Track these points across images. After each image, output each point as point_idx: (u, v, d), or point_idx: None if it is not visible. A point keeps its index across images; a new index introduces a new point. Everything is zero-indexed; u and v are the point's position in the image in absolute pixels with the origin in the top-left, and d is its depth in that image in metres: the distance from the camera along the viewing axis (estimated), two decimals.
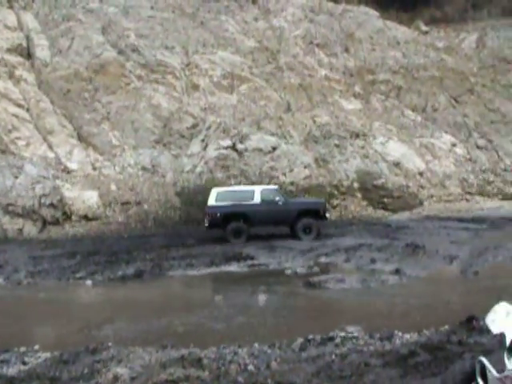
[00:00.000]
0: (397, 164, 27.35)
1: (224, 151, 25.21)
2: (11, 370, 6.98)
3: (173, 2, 35.54)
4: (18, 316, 10.81)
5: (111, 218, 22.61)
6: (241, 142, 25.56)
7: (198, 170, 24.93)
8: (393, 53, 36.24)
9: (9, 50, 28.93)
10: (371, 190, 25.62)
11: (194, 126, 27.20)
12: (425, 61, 35.79)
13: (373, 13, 40.18)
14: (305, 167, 25.46)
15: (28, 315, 10.97)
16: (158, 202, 23.44)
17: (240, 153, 25.32)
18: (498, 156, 30.71)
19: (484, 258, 14.77)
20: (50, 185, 22.17)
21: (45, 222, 21.63)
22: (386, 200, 25.41)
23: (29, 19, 31.49)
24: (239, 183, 23.30)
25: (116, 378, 6.34)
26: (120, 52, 29.44)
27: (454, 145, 30.48)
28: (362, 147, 27.53)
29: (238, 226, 18.71)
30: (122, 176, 24.87)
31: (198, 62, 30.72)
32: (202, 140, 26.21)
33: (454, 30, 43.25)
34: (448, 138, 30.75)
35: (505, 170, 29.47)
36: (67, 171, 24.35)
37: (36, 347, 8.10)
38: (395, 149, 28.14)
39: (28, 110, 26.64)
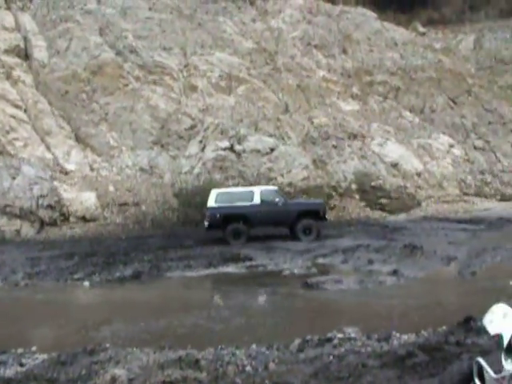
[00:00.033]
0: (395, 165, 27.38)
1: (222, 152, 25.21)
2: (8, 372, 6.97)
3: (171, 3, 35.52)
4: (16, 317, 10.79)
5: (109, 219, 22.59)
6: (239, 143, 25.56)
7: (196, 171, 24.93)
8: (390, 54, 36.28)
9: (6, 51, 28.91)
10: (369, 191, 25.64)
11: (192, 127, 27.19)
12: (422, 62, 35.83)
13: (370, 14, 40.22)
14: (303, 168, 25.46)
15: (25, 316, 10.95)
16: (155, 203, 23.43)
17: (238, 154, 25.32)
18: (496, 157, 30.77)
19: (482, 258, 14.78)
20: (48, 186, 22.14)
21: (42, 223, 21.61)
22: (383, 201, 25.42)
23: (26, 20, 31.46)
24: (237, 184, 23.30)
25: (114, 379, 6.33)
26: (118, 53, 29.42)
27: (451, 146, 30.53)
28: (360, 148, 27.55)
29: (237, 227, 18.71)
30: (119, 177, 24.85)
31: (195, 63, 30.71)
32: (200, 141, 26.21)
33: (451, 32, 43.33)
34: (446, 139, 30.79)
35: None
36: (65, 172, 24.32)
37: (33, 348, 8.09)
38: (393, 150, 28.16)
39: (26, 111, 26.61)
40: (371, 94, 33.28)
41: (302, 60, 33.73)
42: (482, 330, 6.57)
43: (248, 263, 15.40)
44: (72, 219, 22.16)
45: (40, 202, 21.50)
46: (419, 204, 26.15)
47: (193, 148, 26.18)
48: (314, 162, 26.34)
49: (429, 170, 28.39)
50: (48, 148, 25.28)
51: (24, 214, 21.33)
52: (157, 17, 33.33)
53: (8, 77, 27.77)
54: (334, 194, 25.06)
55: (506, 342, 3.54)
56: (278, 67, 32.27)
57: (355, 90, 33.32)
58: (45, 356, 7.52)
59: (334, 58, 35.28)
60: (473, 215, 24.33)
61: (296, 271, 14.01)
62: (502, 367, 3.43)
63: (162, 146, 26.63)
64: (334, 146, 27.10)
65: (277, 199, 18.98)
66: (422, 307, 10.19)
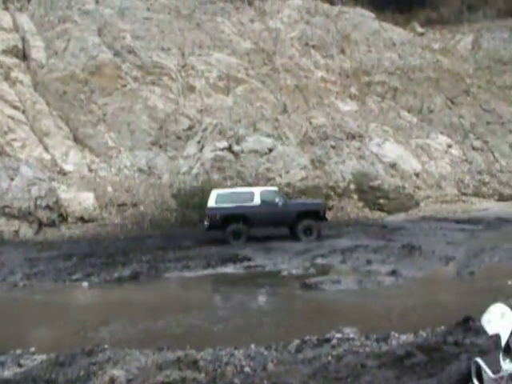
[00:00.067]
0: (393, 165, 27.39)
1: (220, 153, 25.21)
2: (7, 373, 6.96)
3: (169, 3, 35.51)
4: (14, 318, 10.78)
5: (107, 220, 22.57)
6: (237, 144, 25.56)
7: (194, 171, 24.92)
8: (389, 54, 36.29)
9: (4, 52, 28.87)
10: (367, 191, 25.65)
11: (190, 127, 27.18)
12: (421, 62, 35.85)
13: (369, 14, 40.23)
14: (301, 169, 25.47)
15: (24, 317, 10.94)
16: (154, 204, 23.42)
17: (236, 154, 25.32)
18: (494, 157, 30.80)
19: (480, 258, 14.79)
20: (46, 186, 22.12)
21: (41, 224, 21.58)
22: (382, 201, 25.44)
23: (24, 21, 31.43)
24: (235, 185, 23.29)
25: (112, 380, 6.32)
26: (116, 53, 29.40)
27: (449, 146, 30.55)
28: (358, 148, 27.56)
29: (237, 227, 18.71)
30: (118, 178, 24.84)
31: (194, 63, 30.71)
32: (198, 141, 26.20)
33: (449, 32, 43.34)
34: (444, 139, 30.82)
35: None
36: (63, 173, 24.31)
37: (32, 349, 8.08)
38: (391, 150, 28.18)
39: (24, 111, 26.59)
40: (369, 94, 33.30)
41: (300, 60, 33.74)
42: (481, 330, 6.58)
43: (246, 264, 15.40)
44: (70, 220, 22.13)
45: (38, 202, 21.48)
46: (417, 204, 26.17)
47: (191, 148, 26.18)
48: (313, 162, 26.35)
49: (427, 170, 28.41)
50: (46, 149, 25.26)
51: (22, 215, 21.30)
52: (155, 17, 33.32)
53: (6, 77, 27.74)
54: (332, 194, 25.06)
55: (503, 341, 3.54)
56: (276, 67, 32.27)
57: (353, 90, 33.35)
58: (43, 357, 7.51)
59: (333, 59, 35.30)
60: (471, 215, 24.35)
61: (294, 272, 14.01)
62: (500, 367, 3.43)
63: (161, 146, 26.62)
64: (333, 147, 27.11)
65: (277, 200, 18.97)
66: (421, 307, 10.20)
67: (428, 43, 40.58)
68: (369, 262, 14.64)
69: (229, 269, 14.93)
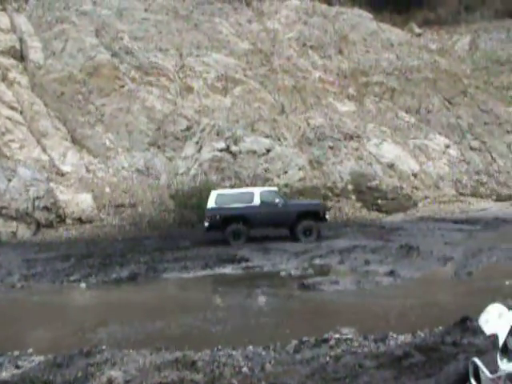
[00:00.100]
0: (391, 165, 27.42)
1: (218, 153, 25.21)
2: (4, 374, 6.95)
3: (167, 4, 35.51)
4: (12, 319, 10.77)
5: (105, 221, 22.56)
6: (235, 144, 25.56)
7: (192, 172, 24.91)
8: (386, 55, 36.33)
9: (2, 53, 28.87)
10: (365, 191, 25.66)
11: (188, 128, 27.18)
12: (418, 63, 35.89)
13: (366, 15, 40.27)
14: (299, 169, 25.48)
15: (22, 318, 10.93)
16: (152, 205, 23.41)
17: (234, 155, 25.32)
18: (492, 157, 30.84)
19: (478, 259, 14.81)
20: (44, 187, 22.10)
21: (39, 225, 21.56)
22: (380, 201, 25.45)
23: (22, 21, 31.42)
24: (233, 185, 23.29)
25: (110, 381, 6.32)
26: (114, 54, 29.39)
27: (447, 146, 30.58)
28: (356, 149, 27.58)
29: (237, 228, 18.70)
30: (115, 178, 24.83)
31: (191, 64, 30.71)
32: (196, 142, 26.20)
33: (447, 32, 43.41)
34: (442, 140, 30.85)
35: None
36: (61, 174, 24.28)
37: (30, 351, 8.07)
38: (389, 150, 28.21)
39: (21, 112, 26.57)
40: (367, 94, 33.33)
41: (298, 61, 33.76)
42: (478, 330, 6.59)
43: (244, 264, 15.40)
44: (68, 221, 22.12)
45: (36, 203, 21.46)
46: (415, 204, 26.19)
47: (189, 149, 26.17)
48: (311, 162, 26.36)
49: (425, 170, 28.44)
50: (44, 150, 25.24)
51: (20, 216, 21.28)
52: (153, 18, 33.32)
53: (3, 78, 27.73)
54: (330, 194, 25.07)
55: (501, 341, 3.55)
56: (274, 68, 32.29)
57: (351, 90, 33.37)
58: (41, 358, 7.50)
59: (330, 59, 35.32)
60: (469, 215, 24.37)
61: (293, 272, 14.01)
62: (498, 367, 3.44)
63: (159, 147, 26.61)
64: (331, 147, 27.13)
65: (276, 200, 18.96)
66: (419, 307, 10.20)
67: (425, 44, 40.65)
68: (367, 263, 14.65)
69: (227, 269, 14.93)
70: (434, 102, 33.39)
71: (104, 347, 7.70)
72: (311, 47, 35.64)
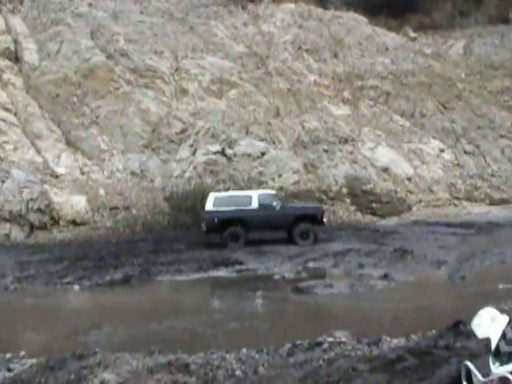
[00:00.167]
0: (385, 169, 27.46)
1: (213, 156, 25.19)
2: None
3: (162, 6, 35.51)
4: (4, 322, 10.72)
5: (99, 223, 22.48)
6: (229, 147, 25.55)
7: (187, 175, 24.88)
8: (381, 59, 36.42)
9: None
10: (360, 195, 25.67)
11: (183, 130, 27.14)
12: (413, 67, 35.99)
13: (362, 19, 40.36)
14: (293, 172, 25.49)
15: (14, 321, 10.88)
16: (146, 207, 23.35)
17: (229, 158, 25.30)
18: (486, 161, 30.93)
19: (471, 263, 14.85)
20: (38, 189, 22.02)
21: (32, 227, 21.47)
22: (374, 205, 25.47)
23: (17, 23, 31.35)
24: (228, 188, 23.26)
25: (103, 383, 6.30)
26: (109, 56, 29.35)
27: (441, 150, 30.65)
28: (351, 152, 27.62)
29: (235, 231, 18.67)
30: (110, 181, 24.76)
31: (187, 66, 30.70)
32: (191, 145, 26.17)
33: (441, 37, 43.57)
34: (436, 144, 30.92)
35: None
36: (55, 176, 24.20)
37: (22, 353, 8.04)
38: (384, 154, 28.25)
39: (16, 114, 26.48)
40: (362, 98, 33.37)
41: (293, 64, 33.80)
42: (471, 334, 6.60)
43: (238, 267, 15.38)
44: (62, 223, 22.03)
45: (30, 205, 21.37)
46: (410, 208, 26.22)
47: (184, 152, 26.14)
48: (305, 166, 26.37)
49: (419, 174, 28.49)
50: (38, 151, 25.16)
51: (13, 218, 21.18)
52: (148, 20, 33.31)
53: None
54: (324, 198, 25.07)
55: (493, 345, 3.56)
56: (269, 71, 32.31)
57: (346, 94, 33.41)
58: (33, 361, 7.47)
59: (325, 63, 35.37)
60: (463, 219, 24.42)
61: (286, 275, 14.01)
62: (490, 371, 3.45)
63: (153, 149, 26.56)
64: (325, 150, 27.15)
65: (274, 203, 18.95)
66: (412, 311, 10.22)
67: (420, 48, 40.77)
68: (361, 266, 14.67)
69: (221, 272, 14.92)
70: (428, 106, 33.48)
71: (97, 350, 7.66)
72: (306, 51, 35.69)
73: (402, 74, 34.94)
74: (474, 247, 17.13)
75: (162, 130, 27.08)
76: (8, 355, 7.88)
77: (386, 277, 13.27)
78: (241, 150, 25.47)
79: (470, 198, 28.30)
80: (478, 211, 26.40)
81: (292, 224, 18.81)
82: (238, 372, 6.68)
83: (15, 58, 29.52)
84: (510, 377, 3.23)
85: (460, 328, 7.70)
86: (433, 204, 27.08)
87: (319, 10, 40.62)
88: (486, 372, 3.47)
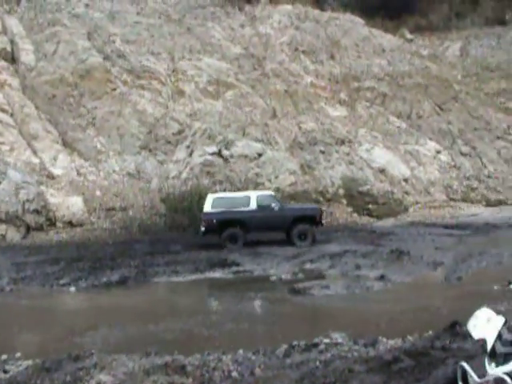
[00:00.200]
0: (382, 170, 27.49)
1: (209, 157, 25.18)
2: None
3: (159, 7, 35.52)
4: (0, 323, 10.68)
5: (96, 224, 22.45)
6: (226, 149, 25.54)
7: (184, 176, 24.86)
8: (378, 60, 36.48)
9: None
10: (356, 196, 25.70)
11: (180, 132, 27.14)
12: (410, 68, 36.06)
13: (358, 20, 40.43)
14: (290, 174, 25.49)
15: (10, 322, 10.85)
16: (143, 208, 23.33)
17: (225, 159, 25.30)
18: (482, 163, 31.00)
19: (468, 263, 14.87)
20: (34, 190, 21.97)
21: (28, 228, 21.43)
22: (371, 206, 25.50)
23: (13, 23, 31.29)
24: (224, 190, 23.26)
25: None
26: (106, 57, 29.32)
27: (438, 152, 30.71)
28: (348, 154, 27.64)
29: (234, 232, 18.66)
30: (106, 182, 24.73)
31: (183, 68, 30.70)
32: (188, 146, 26.16)
33: (438, 39, 43.68)
34: (432, 145, 30.98)
35: None
36: (51, 177, 24.16)
37: (17, 355, 8.01)
38: (380, 155, 28.28)
39: (12, 114, 26.43)
40: (359, 99, 33.42)
41: (289, 65, 33.83)
42: (468, 335, 6.61)
43: (235, 268, 15.38)
44: (58, 224, 21.99)
45: (26, 206, 21.33)
46: (406, 209, 26.26)
47: (180, 153, 26.13)
48: (302, 167, 26.38)
49: (416, 175, 28.53)
50: (34, 152, 25.11)
51: (10, 219, 21.13)
52: (145, 21, 33.30)
53: None
54: (321, 199, 25.08)
55: (489, 346, 3.57)
56: (265, 72, 32.33)
57: (343, 95, 33.45)
58: (29, 362, 7.45)
59: (322, 64, 35.41)
60: (459, 220, 24.47)
61: (283, 276, 14.01)
62: (486, 371, 3.45)
63: (150, 150, 26.55)
64: (322, 152, 27.16)
65: (273, 204, 18.95)
66: (409, 312, 10.23)
67: (417, 49, 40.85)
68: (357, 267, 14.67)
69: (217, 274, 14.91)
70: (424, 108, 33.55)
71: (93, 351, 7.65)
72: (303, 52, 35.72)
73: (398, 76, 35.01)
74: (471, 248, 17.15)
75: (159, 131, 27.07)
76: (4, 357, 7.86)
77: (382, 278, 13.27)
78: (237, 151, 25.48)
79: (466, 199, 28.36)
80: (474, 212, 26.47)
81: (290, 225, 18.80)
82: (234, 373, 6.67)
83: (12, 58, 29.48)
84: (506, 378, 3.24)
85: (456, 329, 7.71)
86: (429, 205, 27.13)
87: (316, 12, 40.68)
88: (482, 373, 3.47)
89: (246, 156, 25.43)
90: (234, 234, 18.66)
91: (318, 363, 6.84)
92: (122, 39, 30.87)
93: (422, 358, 6.69)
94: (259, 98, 30.59)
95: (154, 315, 10.80)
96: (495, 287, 11.75)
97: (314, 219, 19.13)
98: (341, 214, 25.09)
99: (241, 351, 7.56)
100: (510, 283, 11.76)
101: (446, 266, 14.62)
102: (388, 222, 24.41)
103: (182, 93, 29.53)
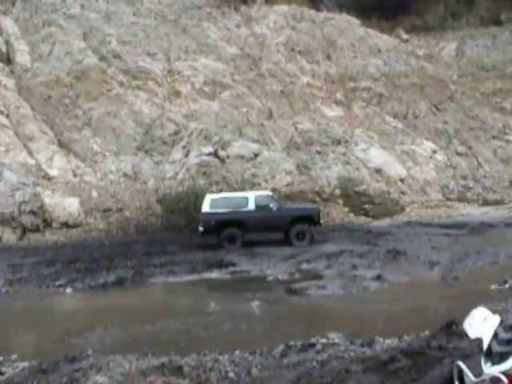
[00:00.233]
0: (378, 170, 27.52)
1: (206, 158, 25.17)
2: None
3: (155, 8, 35.49)
4: None
5: (92, 225, 22.41)
6: (223, 149, 25.54)
7: (180, 176, 24.84)
8: (374, 60, 36.54)
9: None
10: (353, 196, 25.72)
11: (176, 132, 27.11)
12: (405, 68, 36.14)
13: (354, 21, 40.50)
14: (287, 174, 25.50)
15: (6, 324, 10.82)
16: (139, 209, 23.30)
17: (222, 160, 25.29)
18: (478, 162, 31.07)
19: (464, 263, 14.90)
20: (30, 192, 21.92)
21: (24, 230, 21.37)
22: (367, 206, 25.51)
23: (9, 24, 31.23)
24: (221, 190, 23.24)
25: None
26: (101, 58, 29.28)
27: (434, 151, 30.77)
28: (344, 154, 27.66)
29: (232, 232, 18.66)
30: (103, 183, 24.69)
31: (179, 68, 30.68)
32: (184, 147, 26.14)
33: (433, 39, 43.80)
34: (429, 145, 31.03)
35: None
36: (48, 178, 24.10)
37: (14, 357, 8.00)
38: (376, 155, 28.31)
39: (8, 115, 26.36)
40: (355, 99, 33.47)
41: (286, 66, 33.85)
42: (464, 334, 6.61)
43: (232, 269, 15.37)
44: (55, 225, 21.94)
45: (22, 207, 21.27)
46: (403, 209, 26.29)
47: (177, 154, 26.10)
48: (298, 167, 26.39)
49: (412, 175, 28.58)
50: (30, 153, 25.05)
51: (6, 220, 21.07)
52: (141, 22, 33.27)
53: None
54: (317, 199, 25.09)
55: (485, 345, 3.57)
56: (262, 73, 32.34)
57: (339, 95, 33.49)
58: (25, 364, 7.44)
59: (318, 64, 35.45)
60: (455, 220, 24.50)
61: (280, 277, 14.01)
62: (482, 371, 3.45)
63: (146, 151, 26.52)
64: (318, 152, 27.17)
65: (271, 204, 18.95)
66: (406, 312, 10.24)
67: (413, 50, 40.95)
68: (354, 267, 14.68)
69: (214, 274, 14.90)
70: (420, 108, 33.62)
71: (90, 353, 7.64)
72: (299, 52, 35.75)
73: (394, 76, 35.07)
74: (467, 248, 17.18)
75: (155, 131, 27.04)
76: (0, 358, 7.83)
77: (379, 278, 13.29)
78: (234, 152, 25.47)
79: (462, 199, 28.41)
80: (470, 212, 26.50)
81: (288, 225, 18.82)
82: (231, 374, 6.67)
83: (7, 59, 29.41)
84: (502, 377, 3.24)
85: (453, 328, 7.72)
86: (426, 205, 27.16)
87: (312, 12, 40.73)
88: (478, 372, 3.47)
89: (242, 156, 25.43)
90: (233, 234, 18.67)
91: (314, 363, 6.84)
92: (118, 40, 30.83)
93: (419, 357, 6.70)
94: (255, 98, 30.60)
95: (151, 316, 10.79)
96: (491, 287, 11.78)
97: (312, 219, 19.14)
98: (337, 214, 25.10)
99: (237, 352, 7.56)
100: (505, 282, 11.80)
101: (443, 266, 14.64)
102: (384, 222, 24.43)
103: (178, 93, 29.51)
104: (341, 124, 30.46)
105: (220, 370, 6.78)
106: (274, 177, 25.10)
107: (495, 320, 3.72)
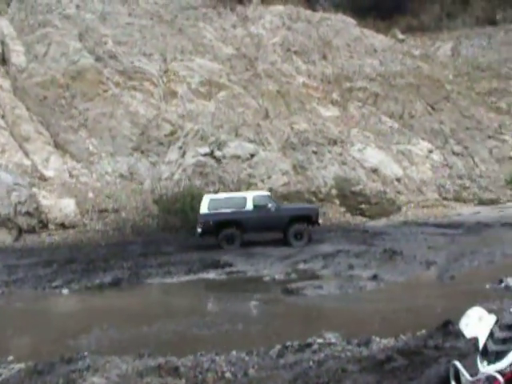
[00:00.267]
0: (374, 170, 27.56)
1: (202, 158, 25.16)
2: None
3: (151, 8, 35.46)
4: None
5: (88, 226, 22.38)
6: (219, 149, 25.53)
7: (176, 177, 24.83)
8: (370, 60, 36.59)
9: None
10: (349, 196, 25.75)
11: (172, 133, 27.10)
12: (401, 68, 36.20)
13: (350, 21, 40.56)
14: (283, 174, 25.51)
15: (2, 325, 10.79)
16: (135, 210, 23.28)
17: (218, 160, 25.28)
18: (474, 162, 31.16)
19: (460, 263, 14.93)
20: (26, 193, 21.87)
21: (20, 231, 21.32)
22: (363, 206, 25.55)
23: (4, 25, 31.13)
24: (217, 190, 23.24)
25: None
26: (97, 59, 29.23)
27: (430, 151, 30.83)
28: (340, 154, 27.69)
29: (231, 232, 18.65)
30: (99, 183, 24.66)
31: (175, 68, 30.65)
32: (180, 147, 26.13)
33: (429, 39, 43.89)
34: (425, 145, 31.10)
35: None
36: (44, 179, 24.05)
37: (10, 358, 7.97)
38: (373, 155, 28.35)
39: (3, 116, 26.30)
40: (351, 99, 33.50)
41: (282, 66, 33.86)
42: (460, 334, 6.63)
43: (228, 269, 15.37)
44: (51, 226, 21.90)
45: (18, 208, 21.22)
46: (399, 209, 26.34)
47: (173, 154, 26.09)
48: (294, 167, 26.41)
49: (408, 175, 28.63)
50: (26, 154, 24.99)
51: (2, 222, 21.02)
52: (137, 22, 33.23)
53: None
54: (314, 199, 25.12)
55: (481, 344, 3.58)
56: (258, 73, 32.34)
57: (335, 95, 33.53)
58: (21, 365, 7.41)
59: (314, 64, 35.48)
60: (451, 220, 24.55)
61: (276, 277, 14.01)
62: (478, 370, 3.46)
63: (142, 152, 26.49)
64: (314, 152, 27.20)
65: (269, 204, 18.96)
66: (402, 311, 10.25)
67: (408, 50, 41.02)
68: (350, 267, 14.69)
69: (211, 275, 14.90)
70: (416, 108, 33.68)
71: (86, 354, 7.62)
72: (295, 52, 35.77)
73: (390, 76, 35.13)
74: (463, 247, 17.22)
75: (151, 132, 27.02)
76: None
77: (375, 278, 13.30)
78: (230, 152, 25.47)
79: (458, 199, 28.48)
80: (466, 211, 26.56)
81: (286, 225, 18.83)
82: (227, 374, 6.66)
83: (2, 59, 29.33)
84: (498, 376, 3.25)
85: (449, 328, 7.74)
86: (422, 205, 27.21)
87: (308, 12, 40.77)
88: (475, 371, 3.48)
89: (238, 157, 25.43)
90: (231, 234, 18.68)
91: (311, 363, 6.84)
92: (114, 40, 30.79)
93: (415, 357, 6.71)
94: (251, 98, 30.60)
95: (147, 317, 10.78)
96: (487, 286, 11.80)
97: (310, 219, 19.16)
98: (334, 214, 25.13)
99: (234, 352, 7.56)
100: (501, 282, 11.83)
101: (439, 266, 14.66)
102: (381, 222, 24.47)
103: (174, 94, 29.49)
104: (337, 124, 30.50)
105: (217, 370, 6.77)
106: (270, 177, 25.11)
107: (491, 319, 3.73)
